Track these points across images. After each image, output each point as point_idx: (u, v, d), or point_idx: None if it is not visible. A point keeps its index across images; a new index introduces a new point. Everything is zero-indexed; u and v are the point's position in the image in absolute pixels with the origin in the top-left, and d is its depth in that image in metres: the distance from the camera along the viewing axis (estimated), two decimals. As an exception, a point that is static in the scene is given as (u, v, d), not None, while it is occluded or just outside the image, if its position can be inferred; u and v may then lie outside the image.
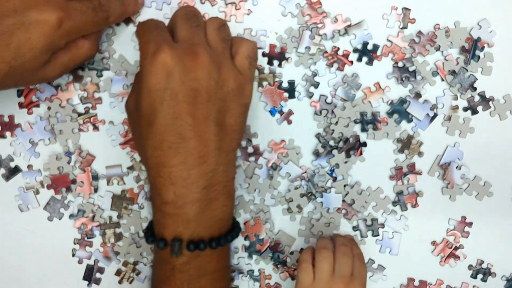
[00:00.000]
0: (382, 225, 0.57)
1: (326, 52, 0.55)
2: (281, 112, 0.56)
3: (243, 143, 0.56)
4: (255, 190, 0.57)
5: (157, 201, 0.45)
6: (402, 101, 0.56)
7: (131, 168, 0.57)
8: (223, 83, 0.44)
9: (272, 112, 0.56)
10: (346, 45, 0.55)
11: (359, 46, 0.55)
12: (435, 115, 0.56)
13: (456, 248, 0.57)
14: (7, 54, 0.43)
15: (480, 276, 0.58)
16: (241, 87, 0.46)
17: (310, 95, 0.56)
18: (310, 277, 0.50)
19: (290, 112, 0.56)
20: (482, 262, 0.58)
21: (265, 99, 0.56)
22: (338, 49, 0.55)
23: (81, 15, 0.46)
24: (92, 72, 0.56)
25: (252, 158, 0.57)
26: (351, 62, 0.55)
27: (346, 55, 0.55)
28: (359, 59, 0.55)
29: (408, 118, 0.56)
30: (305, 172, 0.56)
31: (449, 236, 0.57)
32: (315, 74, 0.55)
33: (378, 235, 0.57)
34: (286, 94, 0.56)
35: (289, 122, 0.56)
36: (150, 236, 0.46)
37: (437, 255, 0.57)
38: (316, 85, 0.56)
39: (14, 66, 0.44)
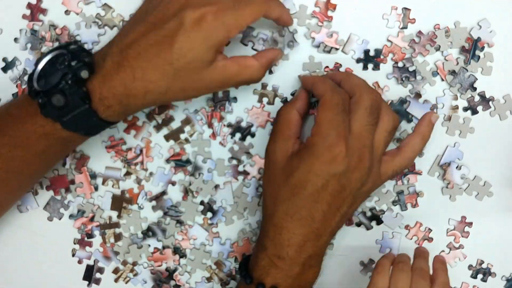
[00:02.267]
0: (383, 211, 0.57)
1: (327, 66, 0.55)
2: None
3: (233, 161, 0.56)
4: (244, 210, 0.57)
5: (271, 251, 0.49)
6: (402, 101, 0.56)
7: (128, 174, 0.57)
8: (365, 184, 0.49)
9: None
10: (348, 62, 0.55)
11: (362, 56, 0.55)
12: None
13: (456, 248, 0.57)
14: (171, 56, 0.44)
15: (480, 276, 0.58)
16: (373, 188, 0.51)
17: (312, 106, 0.56)
18: (385, 282, 0.50)
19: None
20: (482, 262, 0.58)
21: (251, 119, 0.56)
22: (340, 65, 0.55)
23: (235, 6, 0.46)
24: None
25: (240, 177, 0.57)
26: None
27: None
28: (365, 67, 0.55)
29: (408, 118, 0.56)
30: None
31: (449, 236, 0.57)
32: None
33: (382, 221, 0.57)
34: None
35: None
36: (248, 277, 0.50)
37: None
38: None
39: (179, 68, 0.45)
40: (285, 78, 0.55)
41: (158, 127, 0.56)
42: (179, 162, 0.56)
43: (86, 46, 0.55)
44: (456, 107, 0.56)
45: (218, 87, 0.50)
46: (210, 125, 0.56)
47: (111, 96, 0.45)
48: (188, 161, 0.56)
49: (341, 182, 0.47)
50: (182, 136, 0.56)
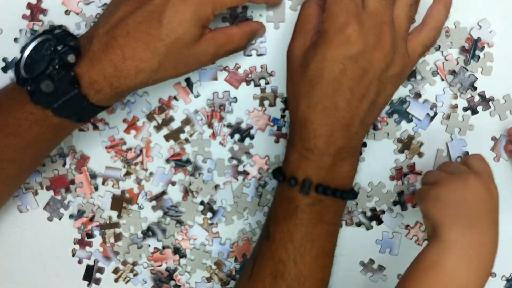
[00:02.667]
0: (383, 211, 0.57)
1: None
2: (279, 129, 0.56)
3: (234, 161, 0.56)
4: (244, 209, 0.57)
5: (299, 145, 0.47)
6: (402, 101, 0.56)
7: (127, 174, 0.57)
8: (391, 66, 0.46)
9: (274, 122, 0.56)
10: None
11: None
12: (435, 114, 0.56)
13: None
14: (161, 31, 0.44)
15: (480, 276, 0.58)
16: (404, 71, 0.48)
17: None
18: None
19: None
20: (482, 262, 0.58)
21: (251, 121, 0.56)
22: None
23: None
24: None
25: (240, 177, 0.57)
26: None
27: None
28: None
29: (408, 118, 0.56)
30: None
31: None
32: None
33: (382, 221, 0.57)
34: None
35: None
36: (280, 175, 0.49)
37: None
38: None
39: (169, 43, 0.45)
40: (284, 78, 0.55)
41: (158, 127, 0.56)
42: (179, 162, 0.56)
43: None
44: (456, 106, 0.56)
45: (209, 60, 0.49)
46: (210, 125, 0.56)
47: (101, 79, 0.44)
48: (188, 161, 0.56)
49: (360, 65, 0.45)
50: (182, 136, 0.56)
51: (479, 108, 0.56)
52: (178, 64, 0.47)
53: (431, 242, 0.46)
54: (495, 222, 0.45)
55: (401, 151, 0.56)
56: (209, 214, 0.57)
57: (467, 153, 0.56)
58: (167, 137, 0.56)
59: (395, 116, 0.56)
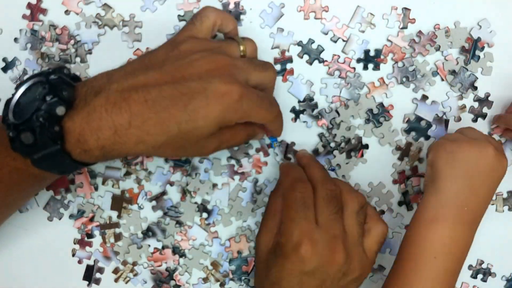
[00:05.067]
0: (383, 211, 0.57)
1: (326, 61, 0.56)
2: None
3: (232, 161, 0.56)
4: (237, 213, 0.57)
5: None
6: (419, 118, 0.56)
7: (127, 174, 0.57)
8: (349, 272, 0.47)
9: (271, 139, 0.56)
10: (349, 61, 0.56)
11: (362, 56, 0.55)
12: (447, 121, 0.56)
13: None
14: (182, 115, 0.41)
15: (480, 276, 0.58)
16: (365, 272, 0.49)
17: (316, 116, 0.56)
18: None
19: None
20: (482, 262, 0.58)
21: None
22: (339, 57, 0.56)
23: (260, 99, 0.44)
24: (82, 66, 0.56)
25: (237, 177, 0.57)
26: (354, 69, 0.56)
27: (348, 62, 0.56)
28: (365, 67, 0.56)
29: (426, 135, 0.56)
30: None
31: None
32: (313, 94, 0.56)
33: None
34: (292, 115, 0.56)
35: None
36: None
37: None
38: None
39: (184, 129, 0.42)
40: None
41: (158, 127, 0.56)
42: (178, 162, 0.56)
43: (86, 46, 0.55)
44: (464, 106, 0.56)
45: (209, 153, 0.47)
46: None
47: (93, 139, 0.41)
48: (186, 161, 0.56)
49: (317, 277, 0.46)
50: (182, 136, 0.56)
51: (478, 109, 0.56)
52: (179, 148, 0.44)
53: (430, 193, 0.49)
54: (493, 192, 0.50)
55: (400, 158, 0.56)
56: (205, 214, 0.57)
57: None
58: (167, 137, 0.56)
59: (412, 133, 0.56)
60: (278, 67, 0.56)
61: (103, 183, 0.57)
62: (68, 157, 0.41)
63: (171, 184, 0.57)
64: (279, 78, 0.56)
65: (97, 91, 0.41)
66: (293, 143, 0.56)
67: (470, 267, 0.58)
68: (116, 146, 0.41)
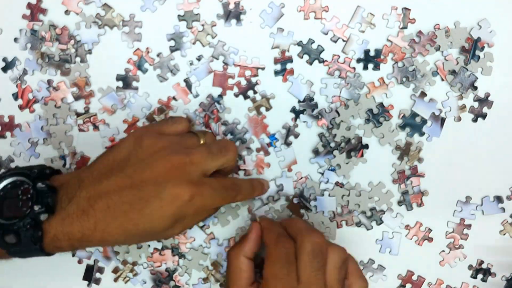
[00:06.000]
0: (383, 212, 0.57)
1: (326, 61, 0.56)
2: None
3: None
4: (235, 213, 0.57)
5: None
6: (414, 114, 0.56)
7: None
8: None
9: (270, 138, 0.56)
10: (349, 61, 0.56)
11: (362, 56, 0.55)
12: (443, 119, 0.56)
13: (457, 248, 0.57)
14: (139, 218, 0.46)
15: (480, 276, 0.58)
16: None
17: (316, 116, 0.56)
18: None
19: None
20: (482, 262, 0.58)
21: (248, 126, 0.56)
22: (339, 57, 0.56)
23: (213, 191, 0.48)
24: (82, 66, 0.56)
25: (241, 172, 0.57)
26: (354, 69, 0.56)
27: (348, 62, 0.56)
28: (365, 67, 0.56)
29: (421, 132, 0.56)
30: (295, 187, 0.57)
31: (448, 239, 0.57)
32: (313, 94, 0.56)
33: (382, 222, 0.57)
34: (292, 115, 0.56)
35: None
36: None
37: (439, 254, 0.57)
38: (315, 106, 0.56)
39: (141, 229, 0.46)
40: (270, 79, 0.56)
41: (158, 127, 0.56)
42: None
43: (86, 46, 0.56)
44: (464, 106, 0.56)
45: (175, 235, 0.53)
46: (207, 126, 0.56)
47: (65, 239, 0.45)
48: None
49: None
50: (182, 136, 0.56)
51: (478, 109, 0.56)
52: (142, 239, 0.52)
53: None
54: None
55: (400, 158, 0.56)
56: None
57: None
58: (167, 137, 0.56)
59: (407, 129, 0.56)
60: (278, 67, 0.56)
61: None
62: (42, 251, 0.46)
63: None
64: (279, 78, 0.56)
65: (70, 198, 0.46)
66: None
67: (470, 267, 0.58)
68: (83, 243, 0.47)
